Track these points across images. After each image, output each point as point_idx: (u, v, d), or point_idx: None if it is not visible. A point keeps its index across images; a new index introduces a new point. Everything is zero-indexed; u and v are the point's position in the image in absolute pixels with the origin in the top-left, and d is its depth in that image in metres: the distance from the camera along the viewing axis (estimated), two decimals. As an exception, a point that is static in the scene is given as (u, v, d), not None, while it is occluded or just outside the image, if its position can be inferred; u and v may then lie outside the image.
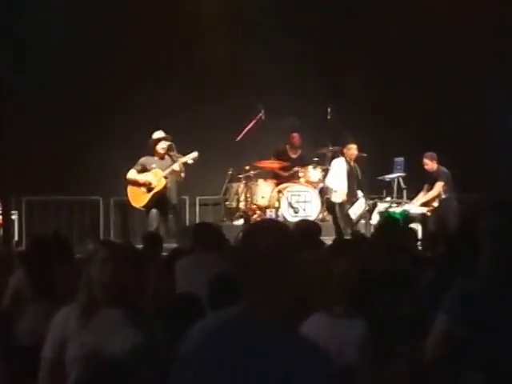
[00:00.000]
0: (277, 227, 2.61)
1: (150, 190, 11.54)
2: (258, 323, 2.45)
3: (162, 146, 11.63)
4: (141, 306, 3.97)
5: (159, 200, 11.55)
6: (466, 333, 3.01)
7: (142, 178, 11.55)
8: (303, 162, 13.21)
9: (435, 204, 11.79)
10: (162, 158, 11.66)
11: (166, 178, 11.53)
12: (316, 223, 7.94)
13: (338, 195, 12.37)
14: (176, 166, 11.49)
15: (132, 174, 11.61)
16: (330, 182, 12.52)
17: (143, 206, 11.65)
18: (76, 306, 3.74)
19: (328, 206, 12.59)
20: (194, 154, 11.67)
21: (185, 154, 11.69)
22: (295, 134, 13.31)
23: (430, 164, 11.90)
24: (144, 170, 11.60)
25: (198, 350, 2.49)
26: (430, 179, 11.99)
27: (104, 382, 3.59)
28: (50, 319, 3.80)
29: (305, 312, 3.76)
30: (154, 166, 11.59)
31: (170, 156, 11.69)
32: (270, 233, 2.52)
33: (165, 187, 11.54)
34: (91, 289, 3.71)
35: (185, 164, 11.62)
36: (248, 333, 2.44)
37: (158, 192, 11.53)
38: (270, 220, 3.34)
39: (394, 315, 3.58)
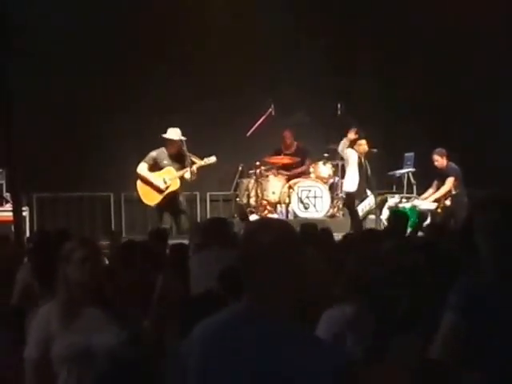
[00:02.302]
0: (279, 225, 2.61)
1: (163, 190, 11.45)
2: (260, 321, 2.45)
3: (176, 146, 11.42)
4: (150, 304, 3.97)
5: (172, 199, 11.46)
6: (470, 331, 3.00)
7: (155, 178, 11.41)
8: (304, 153, 13.12)
9: (447, 202, 11.70)
10: (174, 155, 11.50)
11: (181, 178, 11.41)
12: (309, 223, 7.77)
13: (350, 185, 12.18)
14: (188, 174, 11.33)
15: (143, 171, 11.45)
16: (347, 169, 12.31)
17: (156, 204, 11.55)
18: (56, 303, 3.70)
19: (346, 200, 12.42)
20: (212, 159, 11.54)
21: (195, 151, 11.60)
22: (286, 133, 13.15)
23: (440, 160, 11.84)
24: (155, 165, 11.46)
25: (201, 348, 2.49)
26: (439, 175, 11.95)
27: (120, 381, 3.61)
28: None
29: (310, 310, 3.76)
30: (165, 162, 11.45)
31: (185, 155, 11.46)
32: (273, 230, 2.51)
33: (179, 188, 11.49)
34: (69, 288, 3.67)
35: (200, 167, 11.49)
36: (250, 330, 2.44)
37: (172, 192, 11.46)
38: (273, 218, 3.35)
39: (390, 312, 3.59)
